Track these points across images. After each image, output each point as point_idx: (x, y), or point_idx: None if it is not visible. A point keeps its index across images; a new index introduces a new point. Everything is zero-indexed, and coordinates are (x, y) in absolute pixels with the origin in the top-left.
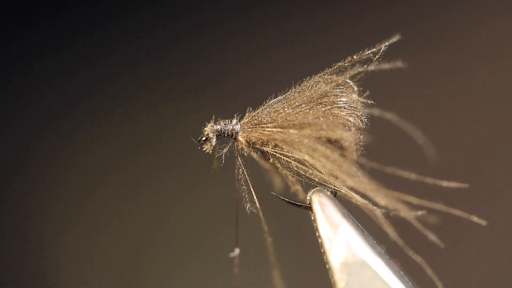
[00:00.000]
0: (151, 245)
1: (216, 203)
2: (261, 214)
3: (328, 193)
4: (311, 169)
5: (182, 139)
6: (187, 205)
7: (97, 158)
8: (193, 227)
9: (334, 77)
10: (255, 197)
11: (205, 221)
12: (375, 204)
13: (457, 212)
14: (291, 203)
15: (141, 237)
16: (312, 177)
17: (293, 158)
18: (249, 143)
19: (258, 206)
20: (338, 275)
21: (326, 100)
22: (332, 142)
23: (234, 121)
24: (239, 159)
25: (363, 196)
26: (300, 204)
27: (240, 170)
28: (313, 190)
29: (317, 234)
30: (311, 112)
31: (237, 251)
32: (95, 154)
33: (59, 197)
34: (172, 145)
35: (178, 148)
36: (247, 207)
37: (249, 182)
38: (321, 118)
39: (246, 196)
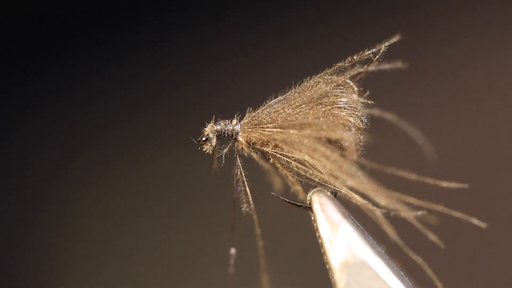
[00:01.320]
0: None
1: (216, 204)
2: (255, 216)
3: (328, 193)
4: (311, 169)
5: (182, 140)
6: (185, 206)
7: (99, 162)
8: (192, 230)
9: (334, 78)
10: (250, 198)
11: (204, 223)
12: (375, 204)
13: (457, 214)
14: (291, 203)
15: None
16: (312, 177)
17: (293, 159)
18: (249, 144)
19: (253, 207)
20: (338, 275)
21: (326, 100)
22: (332, 143)
23: (234, 121)
24: (239, 160)
25: (363, 196)
26: (300, 204)
27: (238, 170)
28: (313, 191)
29: (317, 234)
30: (311, 112)
31: (232, 250)
32: (97, 156)
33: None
34: (172, 145)
35: (178, 148)
36: (243, 208)
37: (246, 182)
38: (321, 119)
39: (243, 197)
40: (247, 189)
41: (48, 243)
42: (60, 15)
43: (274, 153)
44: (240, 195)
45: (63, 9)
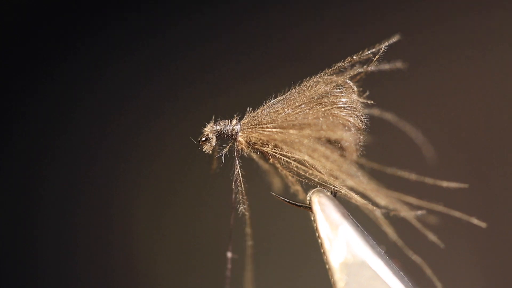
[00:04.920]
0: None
1: (215, 205)
2: (247, 216)
3: (328, 193)
4: (311, 169)
5: (182, 140)
6: (185, 205)
7: (95, 159)
8: (191, 229)
9: (334, 78)
10: (246, 199)
11: (204, 223)
12: (375, 204)
13: (457, 214)
14: (291, 203)
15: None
16: (312, 177)
17: (293, 159)
18: (249, 144)
19: (247, 207)
20: (338, 275)
21: (326, 100)
22: (332, 143)
23: (234, 121)
24: (237, 160)
25: (363, 196)
26: (300, 204)
27: (236, 171)
28: (313, 191)
29: (317, 235)
30: (311, 112)
31: (229, 254)
32: (92, 155)
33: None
34: (172, 145)
35: (178, 148)
36: (240, 209)
37: (242, 184)
38: (321, 119)
39: (240, 197)
40: (243, 190)
41: (47, 243)
42: (57, 13)
43: (274, 153)
44: (237, 196)
45: (58, 6)
